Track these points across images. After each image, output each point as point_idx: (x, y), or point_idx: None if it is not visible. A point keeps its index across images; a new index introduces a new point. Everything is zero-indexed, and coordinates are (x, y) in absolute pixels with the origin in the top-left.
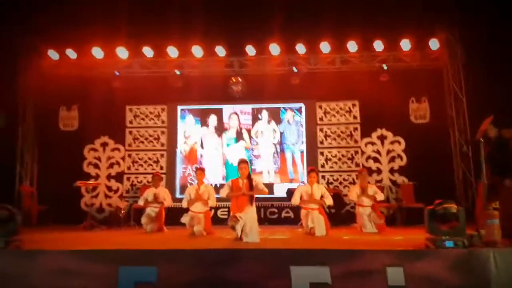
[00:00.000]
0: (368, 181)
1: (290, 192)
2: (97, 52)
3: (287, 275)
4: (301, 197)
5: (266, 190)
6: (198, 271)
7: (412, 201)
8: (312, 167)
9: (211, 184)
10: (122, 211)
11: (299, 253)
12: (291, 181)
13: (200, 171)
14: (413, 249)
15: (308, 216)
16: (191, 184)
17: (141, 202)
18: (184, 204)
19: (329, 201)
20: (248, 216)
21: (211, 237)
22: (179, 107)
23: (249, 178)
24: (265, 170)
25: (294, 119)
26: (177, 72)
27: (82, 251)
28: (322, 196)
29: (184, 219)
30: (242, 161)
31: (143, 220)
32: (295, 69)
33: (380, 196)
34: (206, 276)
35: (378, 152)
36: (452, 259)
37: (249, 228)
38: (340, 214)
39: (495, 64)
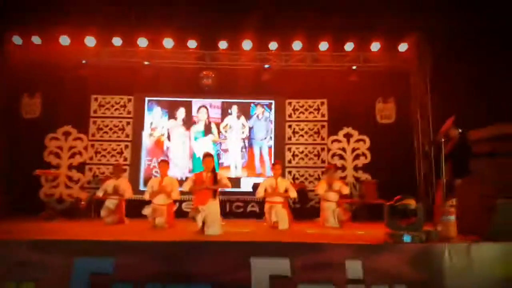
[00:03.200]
0: (334, 177)
1: (256, 186)
2: (64, 40)
3: (248, 267)
4: (265, 190)
5: (229, 184)
6: (156, 263)
7: (374, 198)
8: (277, 160)
9: (176, 178)
10: (83, 202)
11: (259, 245)
12: (258, 175)
13: (164, 163)
14: (372, 243)
15: (271, 210)
16: (155, 176)
17: (100, 193)
18: (146, 197)
19: (293, 194)
20: (211, 209)
21: (173, 229)
22: (146, 98)
23: (213, 172)
24: (233, 164)
25: (264, 115)
26: (146, 63)
27: (36, 242)
28: (286, 190)
29: (146, 211)
30: (206, 155)
31: (103, 212)
32: (267, 66)
33: (346, 190)
34: (164, 268)
35: (343, 149)
36: (409, 254)
37: (211, 220)
38: (305, 209)
39: (462, 69)
